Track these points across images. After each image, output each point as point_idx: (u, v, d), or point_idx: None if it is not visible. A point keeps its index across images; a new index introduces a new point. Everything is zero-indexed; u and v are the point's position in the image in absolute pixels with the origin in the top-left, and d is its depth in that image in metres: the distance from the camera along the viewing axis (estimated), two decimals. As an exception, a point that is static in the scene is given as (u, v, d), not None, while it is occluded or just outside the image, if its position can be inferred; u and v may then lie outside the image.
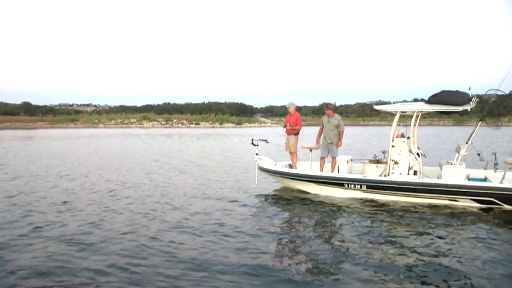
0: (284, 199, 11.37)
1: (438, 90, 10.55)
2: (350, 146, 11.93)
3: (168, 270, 6.28)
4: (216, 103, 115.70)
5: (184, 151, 26.83)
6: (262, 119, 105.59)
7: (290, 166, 12.64)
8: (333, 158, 11.86)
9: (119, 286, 5.72)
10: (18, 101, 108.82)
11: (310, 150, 12.46)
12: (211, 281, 5.83)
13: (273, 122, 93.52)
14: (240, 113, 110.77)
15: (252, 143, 12.65)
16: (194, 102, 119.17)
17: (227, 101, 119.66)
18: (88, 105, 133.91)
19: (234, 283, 5.79)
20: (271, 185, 13.10)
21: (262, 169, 12.51)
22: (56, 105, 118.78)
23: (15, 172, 16.55)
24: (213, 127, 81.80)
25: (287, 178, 12.15)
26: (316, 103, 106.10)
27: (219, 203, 10.81)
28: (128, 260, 6.69)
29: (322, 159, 12.00)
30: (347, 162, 12.07)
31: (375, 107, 12.11)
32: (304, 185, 11.90)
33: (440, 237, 7.81)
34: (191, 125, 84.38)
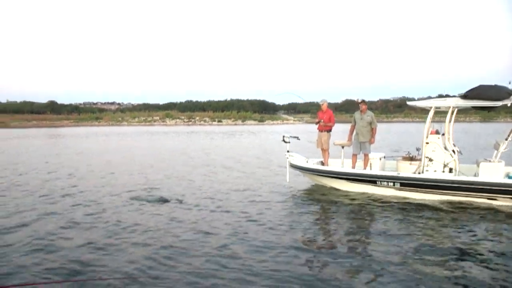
0: (315, 197, 11.29)
1: (474, 85, 10.30)
2: (378, 143, 11.81)
3: (199, 266, 6.27)
4: (238, 100, 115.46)
5: (220, 148, 27.02)
6: (285, 116, 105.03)
7: (322, 163, 12.51)
8: (366, 155, 11.70)
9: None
10: (44, 100, 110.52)
11: (342, 147, 12.31)
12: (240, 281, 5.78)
13: (296, 119, 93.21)
14: (262, 110, 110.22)
15: (283, 140, 12.55)
16: (216, 99, 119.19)
17: (249, 98, 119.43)
18: (112, 103, 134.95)
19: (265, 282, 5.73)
20: (303, 183, 13.00)
21: (293, 166, 12.43)
22: (80, 104, 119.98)
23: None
24: (235, 124, 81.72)
25: (319, 175, 12.04)
26: (338, 100, 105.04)
27: (250, 200, 10.79)
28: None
29: (354, 156, 11.85)
30: (380, 159, 11.88)
31: (409, 103, 11.88)
32: (336, 182, 11.78)
33: (477, 238, 7.55)
34: (214, 123, 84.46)
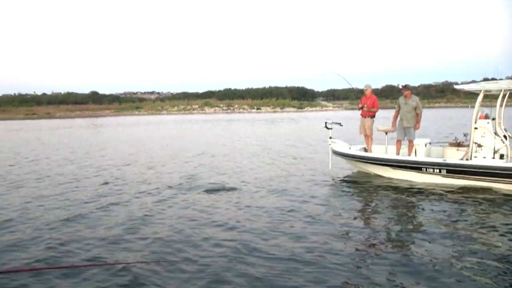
0: (359, 184, 11.09)
1: None
2: (422, 129, 11.48)
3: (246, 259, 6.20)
4: (277, 88, 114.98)
5: (261, 135, 27.06)
6: (324, 102, 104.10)
7: (365, 150, 12.24)
8: (410, 141, 11.36)
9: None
10: (86, 91, 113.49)
11: (386, 133, 11.99)
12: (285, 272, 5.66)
13: (335, 105, 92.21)
14: (301, 97, 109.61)
15: (326, 127, 12.34)
16: (255, 87, 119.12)
17: (288, 85, 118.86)
18: (152, 92, 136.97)
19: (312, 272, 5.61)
20: (346, 169, 12.81)
21: (336, 153, 12.22)
22: (121, 94, 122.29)
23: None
24: (274, 111, 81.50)
25: (362, 162, 11.79)
26: (378, 85, 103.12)
27: (292, 186, 10.71)
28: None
29: (399, 142, 11.54)
30: (425, 145, 11.52)
31: (456, 87, 11.44)
32: (379, 169, 11.51)
33: None
34: (252, 110, 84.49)
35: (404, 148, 11.57)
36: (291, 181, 11.50)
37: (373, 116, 12.10)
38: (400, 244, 6.64)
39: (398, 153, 11.52)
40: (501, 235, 6.88)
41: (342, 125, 12.66)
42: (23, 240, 7.06)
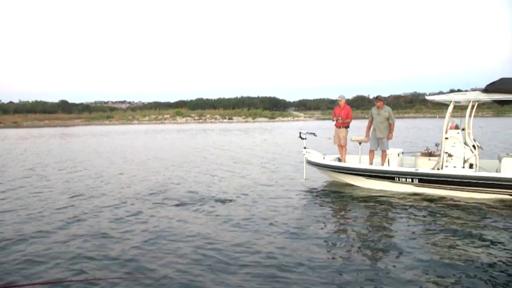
0: (333, 194, 11.16)
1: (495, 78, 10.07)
2: (394, 139, 11.77)
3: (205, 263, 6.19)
4: (249, 98, 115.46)
5: (234, 145, 26.92)
6: (295, 113, 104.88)
7: (339, 160, 12.39)
8: (384, 151, 11.55)
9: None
10: (55, 99, 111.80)
11: (359, 143, 12.17)
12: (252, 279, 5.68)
13: (306, 115, 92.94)
14: (272, 107, 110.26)
15: (300, 137, 12.43)
16: (227, 97, 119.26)
17: (260, 96, 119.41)
18: (123, 102, 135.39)
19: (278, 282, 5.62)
20: (320, 179, 12.88)
21: (310, 163, 12.31)
22: (91, 103, 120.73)
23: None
24: (246, 121, 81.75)
25: (336, 171, 11.90)
26: (350, 96, 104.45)
27: (267, 197, 10.69)
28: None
29: (372, 152, 11.72)
30: (398, 155, 11.72)
31: (427, 97, 11.68)
32: (353, 179, 11.64)
33: (496, 237, 7.27)
34: (224, 120, 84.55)
35: (378, 158, 11.74)
36: (265, 191, 11.50)
37: (347, 127, 12.25)
38: (375, 253, 6.70)
39: (371, 163, 11.69)
40: (471, 241, 7.04)
41: (316, 135, 12.78)
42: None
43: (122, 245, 7.19)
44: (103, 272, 6.05)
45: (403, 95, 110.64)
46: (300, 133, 12.50)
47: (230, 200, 10.42)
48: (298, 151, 13.83)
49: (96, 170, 16.38)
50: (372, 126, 11.69)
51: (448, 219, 8.43)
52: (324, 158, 12.30)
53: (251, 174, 14.47)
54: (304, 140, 12.38)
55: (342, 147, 12.27)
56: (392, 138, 11.66)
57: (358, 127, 12.55)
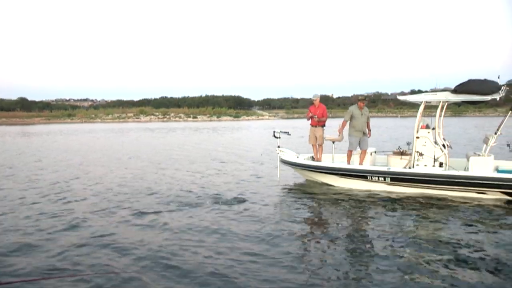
0: (307, 193, 11.24)
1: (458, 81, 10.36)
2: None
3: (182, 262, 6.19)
4: (214, 96, 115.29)
5: (203, 144, 26.80)
6: (260, 112, 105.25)
7: (313, 159, 12.51)
8: (364, 151, 11.72)
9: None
10: (14, 96, 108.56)
11: (333, 142, 12.31)
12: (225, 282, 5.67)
13: (271, 114, 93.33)
14: (237, 106, 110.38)
15: (274, 136, 12.45)
16: (191, 95, 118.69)
17: (224, 94, 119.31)
18: (85, 100, 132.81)
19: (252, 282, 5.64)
20: (294, 178, 12.98)
21: (284, 162, 12.38)
22: (53, 101, 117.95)
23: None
24: (211, 120, 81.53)
25: (310, 170, 12.02)
26: (310, 95, 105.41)
27: (241, 197, 10.66)
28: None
29: (351, 152, 11.78)
30: (371, 154, 11.94)
31: (399, 97, 11.93)
32: (327, 177, 11.78)
33: (466, 232, 7.55)
34: (189, 119, 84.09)
35: (356, 156, 11.86)
36: (239, 190, 11.47)
37: (323, 125, 12.38)
38: (348, 251, 6.77)
39: (349, 162, 11.76)
40: (443, 236, 7.29)
41: (290, 134, 12.86)
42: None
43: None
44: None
45: (365, 94, 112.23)
46: (274, 132, 12.52)
47: (202, 200, 10.35)
48: (272, 150, 13.84)
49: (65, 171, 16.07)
50: (355, 126, 11.69)
51: (420, 216, 8.67)
52: (298, 157, 12.41)
53: (223, 173, 14.45)
54: (278, 139, 12.43)
55: (320, 145, 12.39)
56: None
57: (329, 126, 12.63)
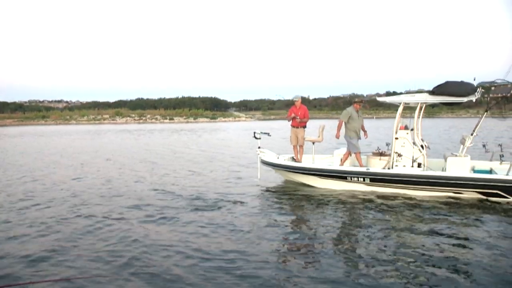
0: (288, 193, 11.27)
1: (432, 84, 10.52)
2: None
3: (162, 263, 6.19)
4: (190, 98, 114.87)
5: (183, 145, 26.55)
6: (237, 113, 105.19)
7: (293, 159, 12.57)
8: (349, 152, 11.79)
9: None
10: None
11: (313, 143, 12.39)
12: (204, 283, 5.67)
13: (247, 116, 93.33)
14: (214, 107, 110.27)
15: (254, 136, 12.46)
16: (167, 97, 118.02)
17: (201, 96, 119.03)
18: (60, 101, 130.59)
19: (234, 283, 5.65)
20: (274, 179, 13.01)
21: (264, 163, 12.41)
22: (25, 102, 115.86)
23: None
24: (187, 122, 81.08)
25: (291, 171, 12.07)
26: (289, 96, 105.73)
27: (221, 198, 10.65)
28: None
29: (359, 153, 11.69)
30: (350, 154, 12.02)
31: (378, 99, 12.03)
32: (307, 178, 11.83)
33: (444, 231, 7.69)
34: (165, 120, 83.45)
35: (363, 157, 11.90)
36: (218, 191, 11.44)
37: (305, 127, 12.45)
38: (329, 251, 6.80)
39: (342, 164, 11.74)
40: (421, 235, 7.45)
41: (270, 135, 12.90)
42: None
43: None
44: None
45: (342, 96, 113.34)
46: (254, 132, 12.52)
47: (183, 201, 10.32)
48: (251, 151, 13.85)
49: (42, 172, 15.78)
50: (350, 128, 11.66)
51: (399, 216, 8.78)
52: (278, 157, 12.45)
53: (203, 175, 14.38)
54: (259, 140, 12.45)
55: (301, 146, 12.45)
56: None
57: (307, 126, 12.66)
